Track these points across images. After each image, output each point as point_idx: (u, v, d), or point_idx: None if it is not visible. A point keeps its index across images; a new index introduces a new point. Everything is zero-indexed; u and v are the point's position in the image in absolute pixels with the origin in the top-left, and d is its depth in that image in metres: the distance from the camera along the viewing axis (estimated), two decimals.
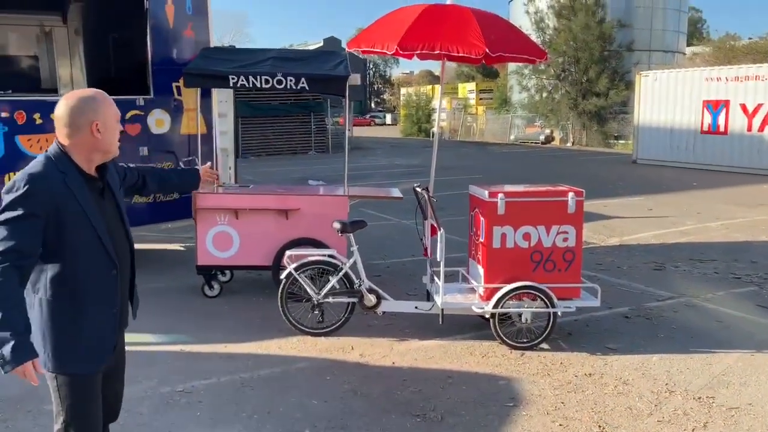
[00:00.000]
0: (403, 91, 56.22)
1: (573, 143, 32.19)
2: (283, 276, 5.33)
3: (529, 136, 34.86)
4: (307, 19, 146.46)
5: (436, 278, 5.30)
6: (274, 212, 6.27)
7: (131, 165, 2.97)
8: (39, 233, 2.29)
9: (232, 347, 5.13)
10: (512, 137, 35.95)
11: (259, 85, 5.78)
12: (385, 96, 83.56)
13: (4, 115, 6.31)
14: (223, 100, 9.91)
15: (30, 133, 6.44)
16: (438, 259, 5.07)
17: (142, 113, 7.03)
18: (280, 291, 5.33)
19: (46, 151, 2.42)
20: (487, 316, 5.11)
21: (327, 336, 5.35)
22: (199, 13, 7.29)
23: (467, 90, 48.78)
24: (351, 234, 5.31)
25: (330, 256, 5.37)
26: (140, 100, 6.99)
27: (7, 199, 2.26)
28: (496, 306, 5.01)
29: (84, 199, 2.38)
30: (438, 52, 4.72)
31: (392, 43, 4.74)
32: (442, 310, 5.15)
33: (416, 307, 5.36)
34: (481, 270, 5.24)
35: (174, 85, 7.17)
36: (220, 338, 5.32)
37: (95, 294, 2.44)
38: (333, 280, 5.29)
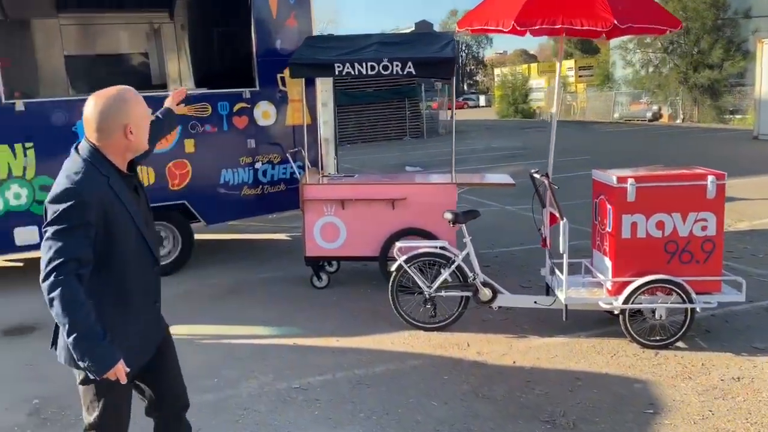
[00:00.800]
0: (497, 71, 54.89)
1: (683, 120, 30.21)
2: (393, 268, 5.15)
3: (635, 114, 33.05)
4: (394, 4, 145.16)
5: (557, 271, 4.95)
6: (381, 202, 6.11)
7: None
8: (92, 240, 2.25)
9: (344, 341, 5.02)
10: (616, 115, 34.24)
11: (365, 72, 5.61)
12: (478, 77, 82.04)
13: None
14: (323, 89, 9.93)
15: None
16: (561, 251, 4.72)
17: (249, 106, 7.05)
18: (390, 284, 5.16)
19: (78, 151, 2.36)
20: (616, 312, 4.71)
21: (440, 331, 5.14)
22: (301, 2, 7.20)
23: (566, 67, 46.98)
24: (463, 224, 5.05)
25: (442, 248, 5.13)
26: (246, 92, 7.01)
27: (58, 208, 2.21)
28: (626, 301, 4.60)
29: (127, 200, 2.36)
30: (559, 26, 4.34)
31: (508, 18, 4.41)
32: (566, 305, 4.80)
33: (536, 302, 5.04)
34: (608, 262, 4.83)
35: (279, 76, 7.14)
36: (330, 331, 5.23)
37: (141, 291, 2.45)
38: (445, 273, 5.06)
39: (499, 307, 5.14)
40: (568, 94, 40.85)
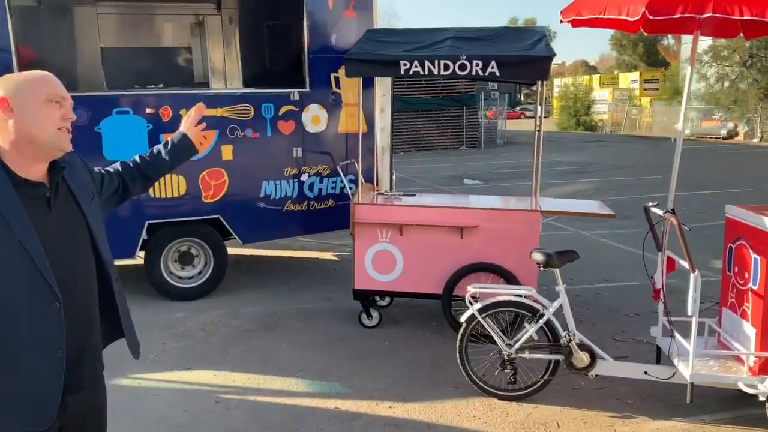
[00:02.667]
0: (556, 81, 53.11)
1: (761, 139, 28.14)
2: (463, 319, 4.10)
3: (708, 131, 31.03)
4: (457, 2, 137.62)
5: (677, 335, 3.81)
6: (446, 229, 5.07)
7: (110, 168, 2.26)
8: None
9: (398, 408, 3.99)
10: (687, 131, 32.21)
11: (436, 72, 4.58)
12: (535, 87, 79.92)
13: (148, 111, 5.64)
14: (382, 93, 8.95)
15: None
16: (689, 313, 3.58)
17: (297, 109, 6.11)
18: (459, 338, 4.11)
19: None
20: (762, 398, 3.55)
21: (520, 401, 4.06)
22: None
23: (629, 80, 45.04)
24: (557, 269, 3.96)
25: (527, 296, 4.05)
26: (295, 93, 6.07)
27: None
28: None
29: (17, 218, 1.73)
30: (708, 15, 3.22)
31: (638, 5, 3.32)
32: (692, 384, 3.66)
33: (647, 373, 3.90)
34: (749, 329, 3.67)
35: (333, 76, 6.20)
36: (381, 392, 4.21)
37: (30, 334, 1.75)
38: (531, 329, 3.98)
39: (596, 374, 4.03)
40: (633, 107, 38.94)
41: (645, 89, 43.06)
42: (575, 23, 4.10)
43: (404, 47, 4.84)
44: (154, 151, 2.37)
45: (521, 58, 4.48)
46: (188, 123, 2.47)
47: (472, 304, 4.07)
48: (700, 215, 10.42)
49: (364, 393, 4.20)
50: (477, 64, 4.51)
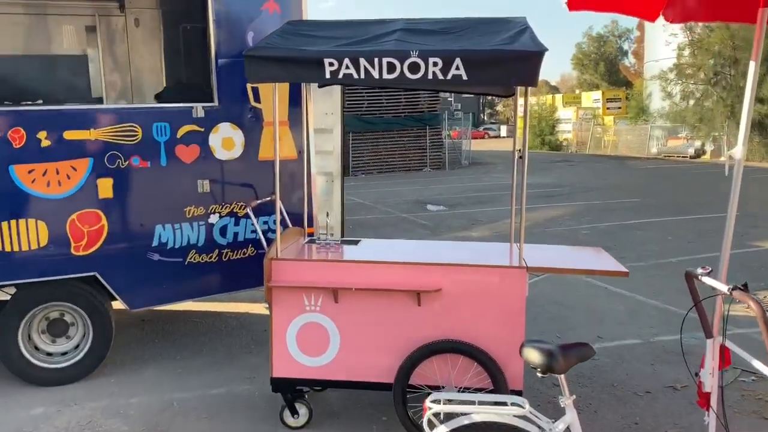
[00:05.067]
0: (520, 101, 52.50)
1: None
2: None
3: (675, 149, 30.44)
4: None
5: None
6: (398, 294, 3.66)
7: None
8: None
9: None
10: (654, 150, 31.63)
11: (376, 74, 3.17)
12: (499, 107, 79.61)
13: None
14: (327, 112, 7.58)
15: (29, 161, 4.21)
16: None
17: (202, 129, 4.65)
18: None
19: None
20: None
21: None
22: None
23: (592, 98, 44.65)
24: (562, 375, 2.56)
25: (518, 416, 2.62)
26: (198, 109, 4.61)
27: None
28: None
29: None
30: None
31: None
32: None
33: None
34: None
35: (249, 86, 4.76)
36: None
37: None
38: None
39: None
40: (598, 126, 38.39)
41: (608, 108, 42.70)
42: (573, 5, 2.81)
43: (334, 42, 3.43)
44: None
45: (498, 54, 3.09)
46: None
47: (433, 425, 2.64)
48: (689, 245, 9.24)
49: None
50: (435, 64, 3.11)
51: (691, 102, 28.84)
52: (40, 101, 5.56)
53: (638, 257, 8.45)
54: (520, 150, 3.77)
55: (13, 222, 4.23)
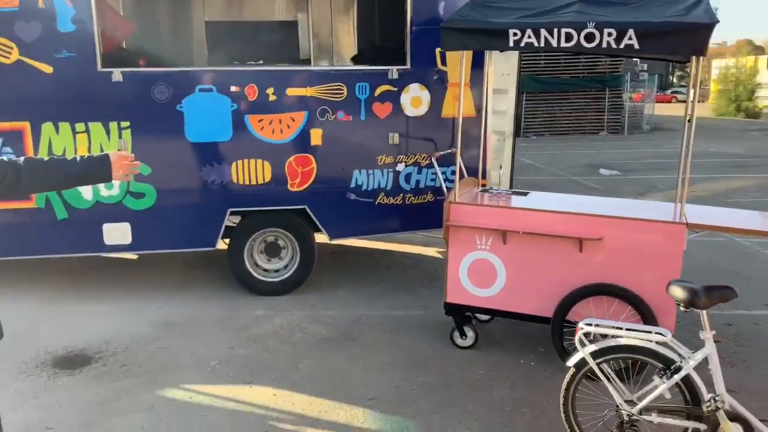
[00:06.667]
0: (715, 63, 47.99)
1: None
2: (572, 363, 3.18)
3: None
4: None
5: None
6: (562, 240, 4.13)
7: (5, 158, 2.00)
8: None
9: None
10: None
11: (555, 44, 3.62)
12: (689, 66, 72.96)
13: (233, 90, 5.14)
14: (504, 72, 7.97)
15: (261, 112, 5.20)
16: None
17: (395, 89, 5.37)
18: (565, 386, 3.21)
19: None
20: None
21: None
22: None
23: None
24: (705, 311, 2.93)
25: (661, 343, 3.04)
26: (393, 71, 5.32)
27: None
28: None
29: None
30: None
31: None
32: None
33: None
34: None
35: (438, 51, 5.37)
36: None
37: None
38: (662, 386, 2.99)
39: None
40: None
41: None
42: None
43: (518, 14, 3.91)
44: (69, 157, 2.11)
45: (669, 25, 3.39)
46: (118, 152, 2.25)
47: (584, 344, 3.14)
48: None
49: None
50: (610, 34, 3.49)
51: None
52: (261, 62, 6.62)
53: None
54: (690, 114, 4.00)
55: (245, 161, 5.28)
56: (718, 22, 3.30)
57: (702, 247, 7.23)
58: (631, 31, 3.45)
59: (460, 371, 4.23)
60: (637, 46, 3.46)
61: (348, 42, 7.76)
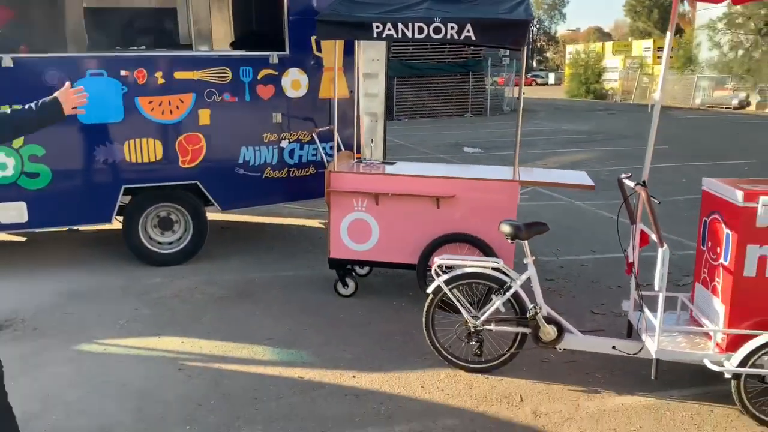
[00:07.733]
0: (569, 48, 52.14)
1: None
2: (429, 290, 4.03)
3: (719, 100, 30.45)
4: None
5: (647, 310, 3.73)
6: (423, 199, 4.97)
7: None
8: None
9: (362, 379, 3.95)
10: (698, 101, 31.63)
11: (410, 35, 4.42)
12: (549, 54, 78.52)
13: (123, 74, 5.52)
14: (374, 58, 8.71)
15: (151, 94, 5.61)
16: (656, 288, 3.49)
17: (276, 73, 5.97)
18: (425, 309, 4.05)
19: None
20: (727, 376, 3.46)
21: (486, 373, 4.00)
22: None
23: (643, 47, 44.13)
24: (526, 241, 3.86)
25: (495, 268, 3.95)
26: (274, 57, 5.92)
27: None
28: (743, 363, 3.35)
29: None
30: None
31: None
32: (657, 360, 3.58)
33: (614, 347, 3.83)
34: (719, 305, 3.58)
35: (313, 38, 6.03)
36: (348, 362, 4.16)
37: None
38: (497, 302, 3.90)
39: (564, 348, 3.96)
40: (644, 76, 38.21)
41: (658, 57, 42.22)
42: None
43: (380, 9, 4.67)
44: (26, 106, 2.69)
45: (497, 21, 4.30)
46: (63, 89, 2.74)
47: (439, 275, 3.99)
48: (697, 186, 10.22)
49: (331, 363, 4.16)
50: (452, 28, 4.34)
51: (740, 52, 28.73)
52: (143, 47, 6.96)
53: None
54: (524, 93, 4.97)
55: (137, 140, 5.67)
56: (533, 18, 4.23)
57: (549, 209, 8.46)
58: (468, 25, 4.32)
59: (344, 314, 4.98)
60: (473, 38, 4.34)
61: (225, 29, 8.19)
